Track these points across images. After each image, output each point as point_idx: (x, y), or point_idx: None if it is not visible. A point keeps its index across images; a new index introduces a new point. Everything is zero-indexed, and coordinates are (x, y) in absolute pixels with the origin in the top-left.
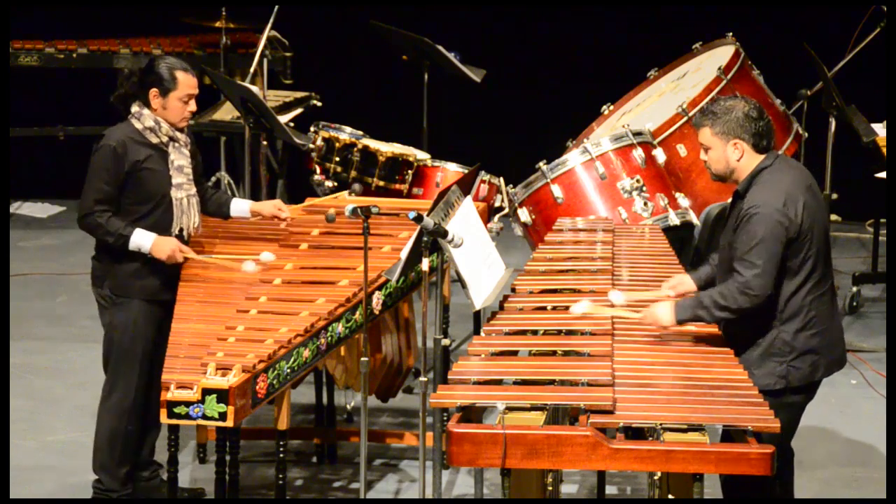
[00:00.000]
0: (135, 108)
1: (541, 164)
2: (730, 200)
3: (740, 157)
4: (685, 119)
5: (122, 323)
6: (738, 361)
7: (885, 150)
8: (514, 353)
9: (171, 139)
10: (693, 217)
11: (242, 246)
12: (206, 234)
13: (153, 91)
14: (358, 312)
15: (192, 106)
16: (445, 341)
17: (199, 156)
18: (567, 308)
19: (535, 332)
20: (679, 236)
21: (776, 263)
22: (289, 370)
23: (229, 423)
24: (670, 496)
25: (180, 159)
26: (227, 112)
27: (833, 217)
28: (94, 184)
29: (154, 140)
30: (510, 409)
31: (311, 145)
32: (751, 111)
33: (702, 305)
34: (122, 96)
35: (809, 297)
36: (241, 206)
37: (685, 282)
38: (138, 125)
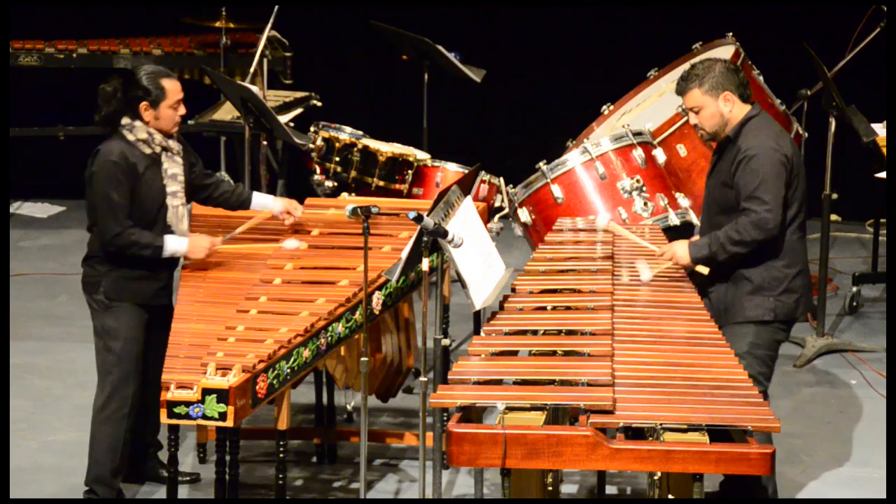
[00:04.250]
0: (125, 121)
1: (541, 164)
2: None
3: (732, 108)
4: (685, 119)
5: (114, 328)
6: (728, 295)
7: (885, 150)
8: (514, 353)
9: (164, 149)
10: (693, 217)
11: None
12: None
13: (143, 105)
14: (358, 312)
15: (182, 110)
16: (445, 341)
17: (194, 156)
18: (568, 308)
19: (535, 332)
20: (679, 236)
21: (782, 197)
22: (289, 370)
23: (229, 423)
24: (670, 496)
25: (173, 168)
26: (227, 112)
27: (833, 217)
28: (111, 201)
29: (147, 151)
30: (510, 409)
31: (311, 145)
32: (728, 64)
33: (716, 242)
34: (108, 116)
35: (794, 236)
36: (262, 201)
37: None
38: (131, 137)
